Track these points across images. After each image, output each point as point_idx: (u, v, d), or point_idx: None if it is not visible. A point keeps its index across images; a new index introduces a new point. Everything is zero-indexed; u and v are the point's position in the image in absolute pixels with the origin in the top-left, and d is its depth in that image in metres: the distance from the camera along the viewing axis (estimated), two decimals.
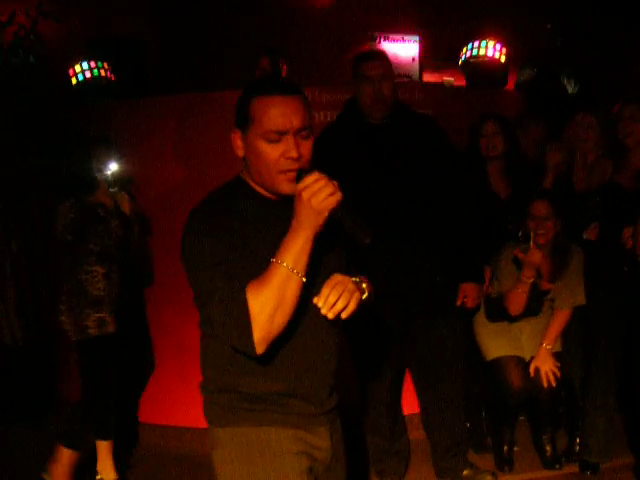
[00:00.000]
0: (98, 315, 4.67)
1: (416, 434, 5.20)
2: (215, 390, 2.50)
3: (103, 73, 6.39)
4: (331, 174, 3.78)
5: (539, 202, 4.78)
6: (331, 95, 5.48)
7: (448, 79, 6.60)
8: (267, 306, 2.23)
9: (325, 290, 2.32)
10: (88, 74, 6.34)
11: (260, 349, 2.26)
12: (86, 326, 4.65)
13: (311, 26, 7.75)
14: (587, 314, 4.89)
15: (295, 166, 2.37)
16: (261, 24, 7.68)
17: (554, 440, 5.08)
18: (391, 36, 6.90)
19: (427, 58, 7.70)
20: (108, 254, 4.70)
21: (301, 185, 2.25)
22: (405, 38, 6.70)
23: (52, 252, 5.71)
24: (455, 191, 4.56)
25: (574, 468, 4.99)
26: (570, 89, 7.44)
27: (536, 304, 4.87)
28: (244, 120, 2.42)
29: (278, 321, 2.26)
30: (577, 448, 5.04)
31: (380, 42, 6.33)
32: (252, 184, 2.50)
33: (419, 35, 6.99)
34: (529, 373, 4.85)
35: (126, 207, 4.88)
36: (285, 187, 2.40)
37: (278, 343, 2.35)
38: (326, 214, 2.24)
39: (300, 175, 2.31)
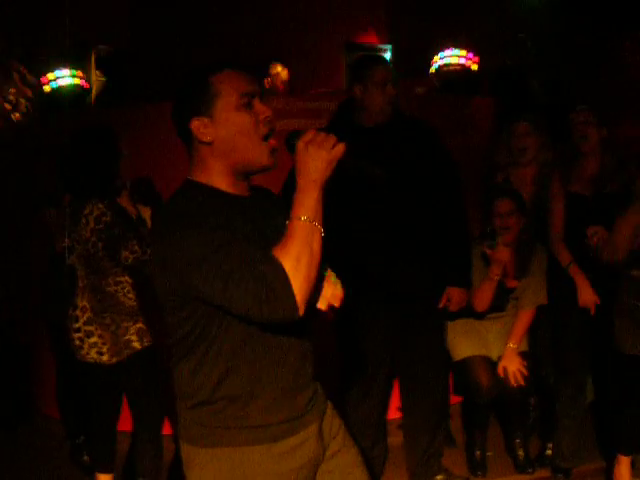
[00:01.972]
0: (138, 326, 4.30)
1: (389, 439, 5.23)
2: (196, 405, 2.39)
3: (77, 81, 6.39)
4: None
5: (502, 199, 4.89)
6: (303, 103, 5.52)
7: (420, 88, 6.63)
8: (302, 262, 2.15)
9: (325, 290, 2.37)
10: (62, 82, 6.34)
11: (302, 309, 2.15)
12: (129, 340, 4.26)
13: (284, 37, 7.77)
14: (555, 317, 4.96)
15: (272, 126, 2.37)
16: (235, 33, 7.69)
17: (526, 445, 5.12)
18: (364, 45, 6.93)
19: (400, 67, 7.75)
20: (137, 263, 4.31)
21: (305, 139, 2.24)
22: (378, 47, 6.73)
23: (25, 261, 5.68)
24: (445, 195, 4.59)
25: (546, 472, 5.02)
26: (541, 97, 7.51)
27: (501, 301, 4.96)
28: (206, 102, 2.34)
29: (312, 277, 2.18)
30: (549, 452, 5.09)
31: (352, 51, 6.35)
32: (210, 183, 2.39)
33: (392, 44, 7.02)
34: (497, 373, 4.90)
35: (146, 213, 4.64)
36: (267, 158, 2.38)
37: (259, 344, 2.33)
38: (335, 163, 2.24)
39: (292, 138, 2.29)
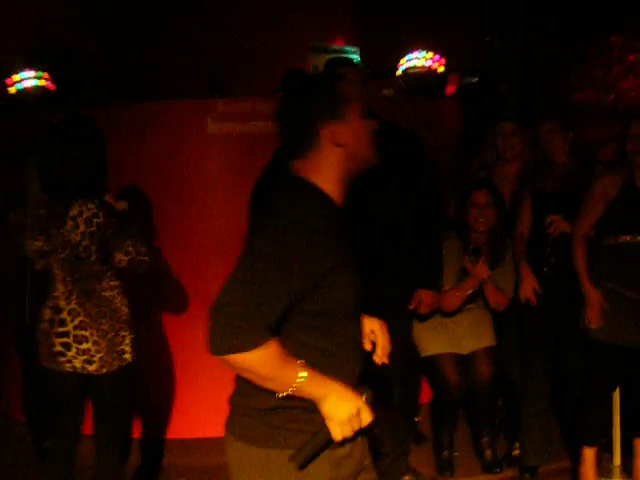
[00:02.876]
0: (132, 336, 4.09)
1: None
2: (271, 408, 2.37)
3: (43, 82, 6.35)
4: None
5: (480, 191, 5.03)
6: (271, 105, 5.49)
7: (388, 90, 6.66)
8: (259, 370, 2.23)
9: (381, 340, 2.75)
10: (27, 83, 6.29)
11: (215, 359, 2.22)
12: (122, 351, 4.04)
13: (250, 38, 7.77)
14: (520, 316, 5.01)
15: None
16: (200, 35, 7.68)
17: (494, 444, 5.16)
18: (330, 47, 6.95)
19: (367, 69, 7.76)
20: (132, 265, 4.11)
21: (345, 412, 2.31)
22: (344, 49, 6.75)
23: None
24: (421, 200, 4.61)
25: (513, 472, 5.06)
26: (510, 100, 7.57)
27: (471, 295, 5.02)
28: (339, 106, 2.45)
29: (245, 374, 2.27)
30: (516, 452, 5.13)
31: (320, 54, 6.37)
32: (321, 187, 2.47)
33: (359, 46, 7.06)
34: (465, 368, 4.95)
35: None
36: (375, 157, 2.58)
37: (337, 355, 2.42)
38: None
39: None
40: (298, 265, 2.24)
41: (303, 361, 2.27)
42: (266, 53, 7.71)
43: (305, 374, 2.24)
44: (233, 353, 2.17)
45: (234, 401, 2.51)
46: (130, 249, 4.04)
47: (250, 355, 2.17)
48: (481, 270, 4.87)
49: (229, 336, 2.16)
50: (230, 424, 2.50)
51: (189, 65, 7.32)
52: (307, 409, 2.34)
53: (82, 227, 3.90)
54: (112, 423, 4.19)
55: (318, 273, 2.29)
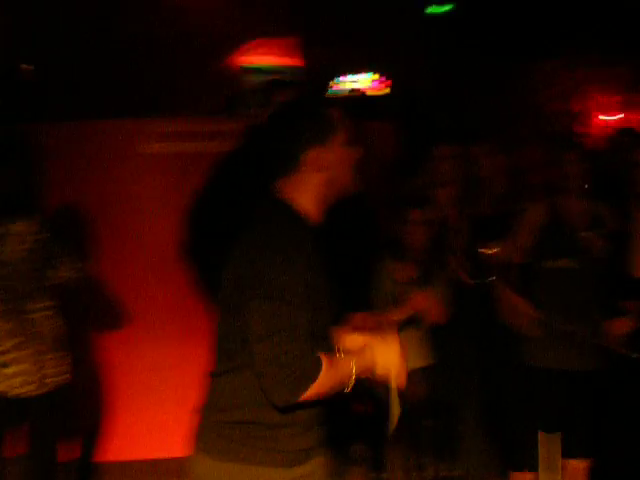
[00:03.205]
0: (63, 359, 4.05)
1: None
2: (238, 421, 2.46)
3: None
4: (230, 199, 3.90)
5: (416, 209, 5.00)
6: (205, 125, 5.52)
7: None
8: (326, 389, 2.35)
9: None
10: None
11: (288, 407, 2.35)
12: (50, 374, 3.97)
13: (186, 58, 7.75)
14: (455, 339, 5.04)
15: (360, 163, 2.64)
16: (136, 56, 7.64)
17: (422, 465, 5.17)
18: (268, 67, 6.97)
19: (309, 90, 7.79)
20: (70, 282, 4.09)
21: (387, 350, 2.54)
22: (284, 70, 6.77)
23: None
24: (353, 221, 4.63)
25: None
26: (442, 123, 7.65)
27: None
28: (325, 132, 2.52)
29: (315, 398, 2.35)
30: (445, 473, 5.16)
31: (257, 74, 6.37)
32: (299, 208, 2.54)
33: (299, 67, 7.09)
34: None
35: None
36: (354, 186, 2.64)
37: None
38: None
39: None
40: (306, 290, 2.35)
41: (340, 350, 2.45)
42: (202, 73, 7.70)
43: (354, 362, 2.42)
44: (304, 393, 2.28)
45: (201, 412, 2.59)
46: (65, 266, 4.02)
47: (316, 383, 2.29)
48: (418, 302, 4.83)
49: (296, 384, 2.27)
50: (196, 436, 2.57)
51: (125, 84, 7.27)
52: (270, 426, 2.43)
53: (20, 245, 3.84)
54: (41, 445, 4.11)
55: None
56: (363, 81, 7.11)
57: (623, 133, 6.65)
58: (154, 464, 5.35)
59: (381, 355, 2.51)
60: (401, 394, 2.63)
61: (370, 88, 7.10)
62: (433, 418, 5.30)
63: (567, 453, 4.74)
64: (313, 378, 2.28)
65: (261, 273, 2.34)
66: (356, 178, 2.62)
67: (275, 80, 5.04)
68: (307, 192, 2.54)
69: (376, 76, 7.11)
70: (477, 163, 5.08)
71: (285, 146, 2.57)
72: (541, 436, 4.73)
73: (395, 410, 2.57)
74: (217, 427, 2.49)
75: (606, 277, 4.55)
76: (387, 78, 7.23)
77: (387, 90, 7.19)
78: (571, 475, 4.72)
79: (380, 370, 2.50)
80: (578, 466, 4.71)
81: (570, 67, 9.00)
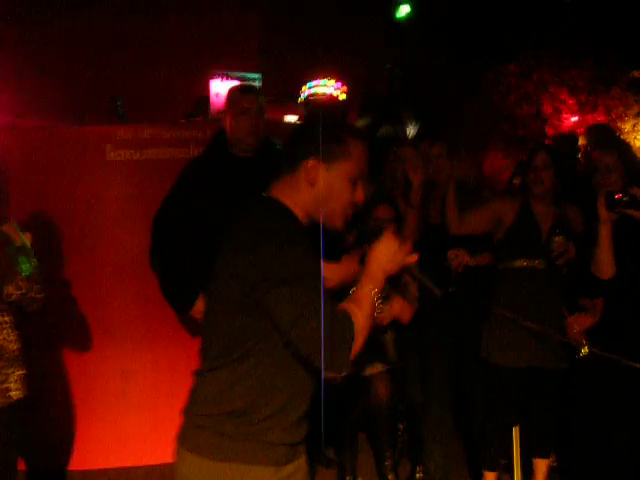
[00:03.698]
0: (19, 373, 3.95)
1: None
2: (224, 414, 2.44)
3: None
4: (195, 206, 3.91)
5: (381, 206, 5.08)
6: (170, 132, 5.51)
7: (290, 117, 6.71)
8: (365, 330, 2.35)
9: None
10: None
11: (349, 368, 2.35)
12: (7, 389, 3.86)
13: (149, 63, 7.72)
14: (421, 339, 5.07)
15: (355, 209, 2.59)
16: (102, 60, 7.60)
17: (396, 468, 5.18)
18: (232, 75, 6.95)
19: (269, 96, 7.77)
20: (21, 300, 3.95)
21: (387, 239, 2.47)
22: (245, 77, 6.76)
23: None
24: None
25: None
26: (410, 130, 7.68)
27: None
28: (332, 154, 2.50)
29: (364, 341, 2.36)
30: (419, 475, 5.18)
31: (222, 80, 6.37)
32: (293, 210, 2.53)
33: (261, 74, 7.08)
34: (365, 390, 4.97)
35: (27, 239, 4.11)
36: (341, 225, 2.58)
37: (296, 371, 2.47)
38: (402, 267, 2.49)
39: (373, 234, 2.53)
40: (313, 264, 2.37)
41: (353, 289, 2.45)
42: (167, 80, 7.68)
43: (367, 285, 2.42)
44: (354, 348, 2.32)
45: (187, 411, 2.54)
46: (21, 284, 3.91)
47: (356, 333, 2.32)
48: (396, 309, 4.85)
49: (344, 346, 2.30)
50: (182, 437, 2.53)
51: (90, 90, 7.24)
52: (262, 418, 2.42)
53: None
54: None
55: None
56: (324, 86, 7.12)
57: (562, 140, 6.74)
58: (126, 472, 5.34)
59: (382, 253, 2.47)
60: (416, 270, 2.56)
61: (327, 94, 7.11)
62: (405, 419, 5.34)
63: (532, 451, 4.80)
64: (353, 331, 2.31)
65: (269, 263, 2.33)
66: (343, 218, 2.58)
67: (239, 86, 5.05)
68: (294, 198, 2.54)
69: (333, 82, 7.12)
70: (430, 163, 5.07)
71: (291, 148, 2.60)
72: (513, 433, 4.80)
73: (426, 279, 2.57)
74: (208, 422, 2.45)
75: (571, 277, 4.62)
76: (345, 83, 7.25)
77: (344, 96, 7.21)
78: (536, 473, 4.78)
79: (391, 265, 2.48)
80: (541, 464, 4.77)
81: (536, 69, 9.07)
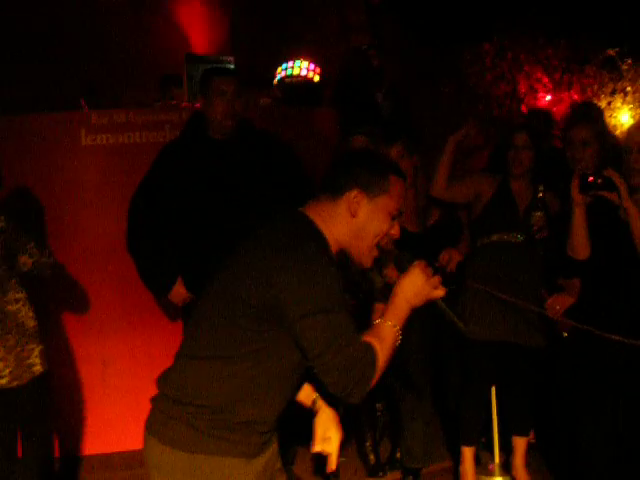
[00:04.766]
0: (41, 348, 4.14)
1: None
2: (202, 406, 2.42)
3: None
4: (172, 189, 3.84)
5: None
6: (145, 116, 5.49)
7: (264, 100, 6.66)
8: (384, 363, 2.39)
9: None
10: None
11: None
12: (32, 363, 4.08)
13: (122, 46, 7.67)
14: None
15: (389, 246, 2.63)
16: (74, 45, 7.54)
17: (377, 449, 5.22)
18: (205, 57, 6.91)
19: (243, 78, 7.72)
20: (35, 268, 4.13)
21: (419, 270, 2.49)
22: (220, 59, 6.73)
23: None
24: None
25: (397, 475, 5.13)
26: (385, 109, 7.63)
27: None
28: (375, 188, 2.54)
29: (381, 373, 2.41)
30: (399, 455, 5.19)
31: (196, 63, 6.33)
32: (323, 232, 2.53)
33: (233, 56, 7.06)
34: None
35: None
36: (369, 262, 2.62)
37: (284, 377, 2.51)
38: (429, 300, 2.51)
39: (403, 261, 2.56)
40: (341, 292, 2.40)
41: (377, 319, 2.48)
42: (141, 63, 7.63)
43: (391, 320, 2.44)
44: (374, 381, 2.39)
45: (161, 389, 2.55)
46: (34, 251, 4.07)
47: (377, 366, 2.37)
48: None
49: (365, 379, 2.36)
50: (154, 427, 2.52)
51: (62, 76, 7.17)
52: (243, 422, 2.43)
53: None
54: (27, 436, 4.18)
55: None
56: (295, 68, 7.07)
57: (533, 116, 6.73)
58: (107, 458, 5.35)
59: (409, 287, 2.49)
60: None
61: (302, 75, 7.07)
62: (383, 399, 5.35)
63: (511, 429, 4.84)
64: (375, 366, 2.35)
65: (302, 288, 2.34)
66: (372, 258, 2.61)
67: (212, 68, 5.02)
68: (329, 226, 2.55)
69: (306, 63, 7.08)
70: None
71: (335, 175, 2.60)
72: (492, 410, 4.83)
73: (451, 314, 2.59)
74: (181, 414, 2.44)
75: (548, 256, 4.64)
76: (319, 65, 7.20)
77: (317, 77, 7.16)
78: (515, 450, 4.82)
79: (417, 299, 2.50)
80: (521, 442, 4.81)
81: (511, 48, 9.06)
